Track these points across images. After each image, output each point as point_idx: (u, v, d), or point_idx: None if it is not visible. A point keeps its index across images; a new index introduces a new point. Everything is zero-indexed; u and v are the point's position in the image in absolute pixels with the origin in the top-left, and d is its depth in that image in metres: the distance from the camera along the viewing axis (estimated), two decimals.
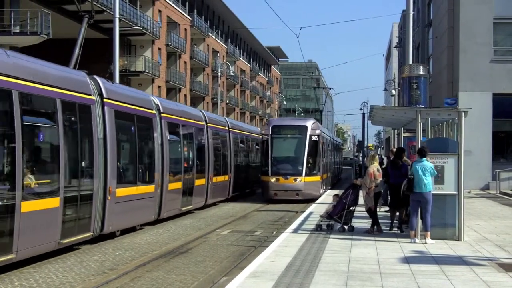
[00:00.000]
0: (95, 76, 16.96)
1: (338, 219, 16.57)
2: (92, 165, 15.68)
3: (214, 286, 11.61)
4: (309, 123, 31.56)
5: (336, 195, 17.50)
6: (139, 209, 18.94)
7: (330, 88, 72.67)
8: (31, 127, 13.37)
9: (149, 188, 19.57)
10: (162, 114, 21.02)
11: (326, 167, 35.43)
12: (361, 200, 16.97)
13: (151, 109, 20.17)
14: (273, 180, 29.93)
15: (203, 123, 27.00)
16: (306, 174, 29.91)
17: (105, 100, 16.58)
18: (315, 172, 30.64)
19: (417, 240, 14.56)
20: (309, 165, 30.31)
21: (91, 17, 19.82)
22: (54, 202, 13.68)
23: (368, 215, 16.89)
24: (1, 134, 12.29)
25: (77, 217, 14.87)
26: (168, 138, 21.46)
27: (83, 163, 15.45)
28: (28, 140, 13.16)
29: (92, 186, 15.59)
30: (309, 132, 30.67)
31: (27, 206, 12.53)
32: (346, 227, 16.50)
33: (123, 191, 17.32)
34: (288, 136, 31.50)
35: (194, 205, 24.58)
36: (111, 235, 17.27)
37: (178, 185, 22.41)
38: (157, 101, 21.24)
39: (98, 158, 15.98)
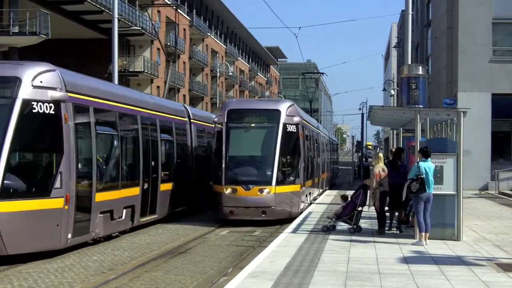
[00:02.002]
0: (185, 105, 26.78)
1: (349, 220, 16.51)
2: (187, 163, 24.01)
3: (213, 286, 11.61)
4: (283, 106, 21.77)
5: (343, 196, 17.47)
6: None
7: (323, 73, 58.88)
8: (164, 141, 21.61)
9: None
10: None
11: (312, 171, 26.75)
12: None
13: (212, 124, 25.42)
14: (227, 191, 20.36)
15: None
16: (279, 182, 20.50)
17: (191, 120, 24.86)
18: (292, 178, 21.26)
19: (425, 242, 14.33)
20: (284, 168, 21.09)
21: (174, 61, 30.30)
22: (169, 186, 21.75)
23: (375, 216, 16.84)
24: (151, 145, 19.97)
25: (177, 196, 22.39)
26: None
27: (184, 162, 23.70)
28: (163, 148, 21.46)
29: (186, 176, 23.52)
30: (283, 119, 21.20)
31: (162, 187, 20.88)
32: (355, 227, 16.46)
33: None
34: (252, 125, 21.73)
35: None
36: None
37: None
38: (213, 116, 27.18)
39: (189, 158, 24.42)
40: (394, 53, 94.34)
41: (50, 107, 14.34)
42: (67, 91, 14.70)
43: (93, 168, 15.78)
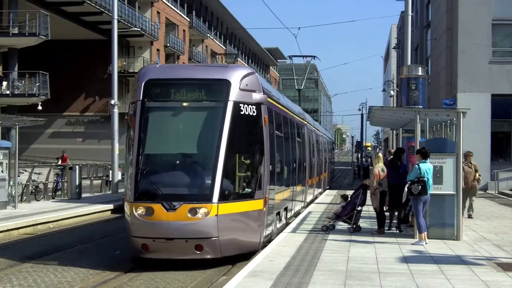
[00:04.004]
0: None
1: (348, 220, 16.49)
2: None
3: (213, 286, 11.62)
4: (235, 75, 13.99)
5: (343, 196, 17.45)
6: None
7: (315, 57, 48.76)
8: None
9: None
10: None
11: (289, 175, 18.95)
12: (368, 201, 16.92)
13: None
14: (139, 211, 12.95)
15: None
16: (225, 197, 13.10)
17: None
18: (249, 190, 13.73)
19: (425, 242, 14.34)
20: (235, 174, 13.46)
21: None
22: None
23: (374, 215, 16.83)
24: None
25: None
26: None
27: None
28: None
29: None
30: (233, 95, 13.69)
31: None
32: (354, 227, 16.45)
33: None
34: (184, 105, 13.87)
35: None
36: None
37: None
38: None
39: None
40: (393, 54, 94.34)
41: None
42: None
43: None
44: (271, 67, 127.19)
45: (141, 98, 13.73)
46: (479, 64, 34.06)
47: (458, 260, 12.50)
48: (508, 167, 33.46)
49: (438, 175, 14.84)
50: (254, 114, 14.01)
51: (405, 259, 12.51)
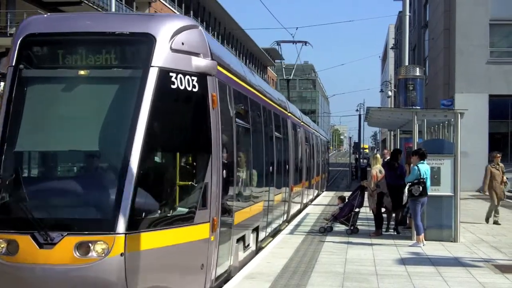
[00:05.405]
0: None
1: (346, 221, 16.47)
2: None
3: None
4: (165, 28, 8.62)
5: (340, 197, 17.43)
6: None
7: (306, 42, 42.63)
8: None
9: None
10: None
11: (259, 184, 13.53)
12: (365, 202, 16.90)
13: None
14: None
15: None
16: (137, 222, 7.81)
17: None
18: (184, 209, 8.52)
19: (422, 244, 14.34)
20: (159, 183, 8.47)
21: None
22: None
23: (372, 217, 16.82)
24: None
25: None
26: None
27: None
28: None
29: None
30: (160, 58, 8.43)
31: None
32: (352, 228, 16.43)
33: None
34: (81, 73, 8.40)
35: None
36: None
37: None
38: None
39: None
40: (391, 54, 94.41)
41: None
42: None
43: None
44: (268, 68, 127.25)
45: (13, 64, 8.66)
46: (477, 65, 34.11)
47: (456, 262, 12.49)
48: (506, 168, 33.42)
49: (435, 176, 14.83)
50: (195, 89, 8.84)
51: (403, 261, 12.50)
